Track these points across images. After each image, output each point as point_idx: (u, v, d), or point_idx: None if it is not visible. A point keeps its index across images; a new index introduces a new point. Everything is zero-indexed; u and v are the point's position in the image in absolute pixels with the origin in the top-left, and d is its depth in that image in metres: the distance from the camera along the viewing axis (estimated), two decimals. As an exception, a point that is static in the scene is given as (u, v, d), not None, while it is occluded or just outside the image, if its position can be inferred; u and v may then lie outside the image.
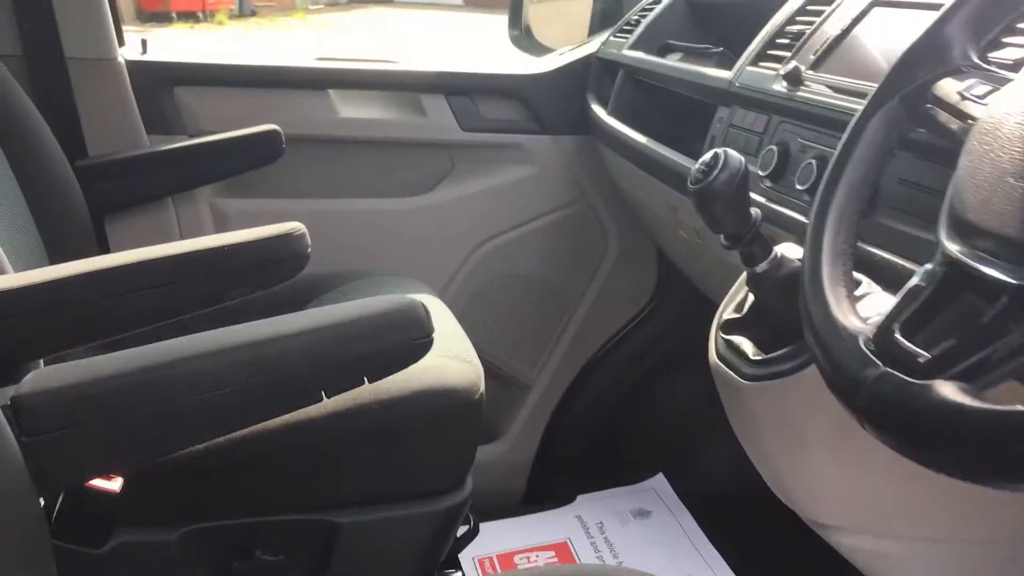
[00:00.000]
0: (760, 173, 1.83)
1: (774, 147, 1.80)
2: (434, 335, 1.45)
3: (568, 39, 3.23)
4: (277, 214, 2.62)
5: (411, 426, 1.76)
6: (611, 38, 2.85)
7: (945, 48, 1.14)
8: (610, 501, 2.92)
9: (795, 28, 1.94)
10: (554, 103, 2.89)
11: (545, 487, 3.07)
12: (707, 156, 1.46)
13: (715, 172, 1.42)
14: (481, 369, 2.02)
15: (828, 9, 1.88)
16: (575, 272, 3.00)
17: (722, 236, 1.49)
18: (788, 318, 1.52)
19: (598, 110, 2.76)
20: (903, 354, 0.88)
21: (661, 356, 3.11)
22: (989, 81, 1.08)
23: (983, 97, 1.05)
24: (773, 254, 1.49)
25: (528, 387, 3.06)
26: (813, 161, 1.68)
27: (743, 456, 1.72)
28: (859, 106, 1.65)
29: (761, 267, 1.48)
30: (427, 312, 1.44)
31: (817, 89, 1.75)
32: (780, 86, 1.85)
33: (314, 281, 2.36)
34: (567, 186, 2.93)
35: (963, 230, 0.90)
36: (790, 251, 1.65)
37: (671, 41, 2.56)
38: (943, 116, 1.09)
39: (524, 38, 3.42)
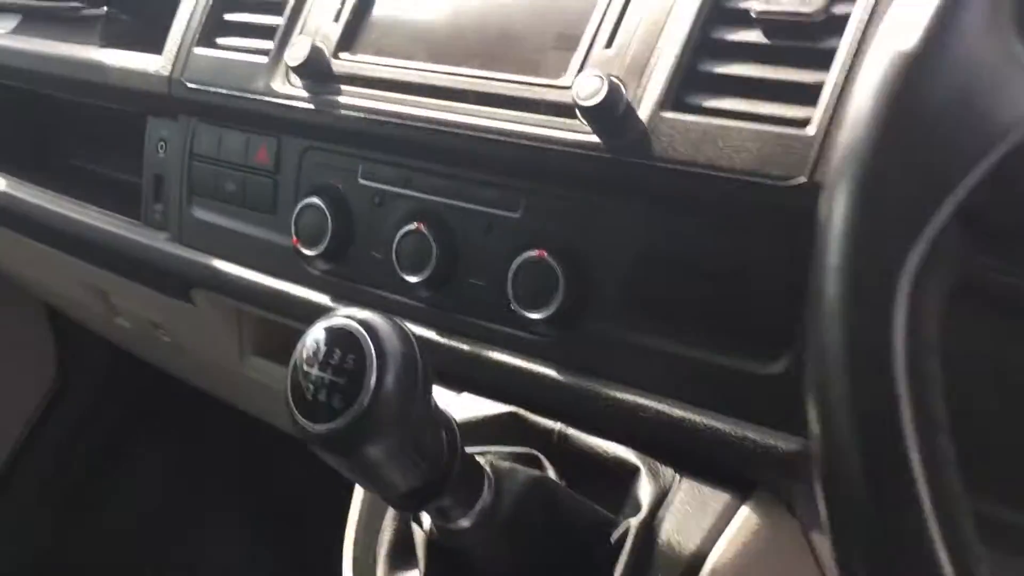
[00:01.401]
0: (305, 251, 1.00)
1: (317, 201, 0.99)
2: None
3: None
4: None
5: None
6: None
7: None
8: None
9: (265, -29, 1.09)
10: None
11: None
12: (316, 338, 0.62)
13: (366, 386, 0.60)
14: None
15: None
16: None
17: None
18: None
19: None
20: None
21: (90, 456, 2.14)
22: None
23: None
24: (487, 480, 0.72)
25: None
26: (421, 227, 0.91)
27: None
28: (462, 117, 0.92)
29: (472, 517, 0.71)
30: None
31: (367, 88, 0.96)
32: (288, 85, 1.02)
33: None
34: None
35: None
36: (475, 408, 0.90)
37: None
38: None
39: None
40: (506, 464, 0.77)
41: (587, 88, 0.79)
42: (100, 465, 2.18)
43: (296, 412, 0.63)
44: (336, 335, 0.62)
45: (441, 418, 0.67)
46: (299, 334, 1.13)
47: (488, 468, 0.73)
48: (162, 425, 2.22)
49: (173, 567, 2.18)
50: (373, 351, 0.61)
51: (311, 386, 0.62)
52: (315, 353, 0.62)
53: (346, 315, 0.63)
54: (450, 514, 0.71)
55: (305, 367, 0.62)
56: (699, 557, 0.74)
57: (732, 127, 0.74)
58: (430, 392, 0.64)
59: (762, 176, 0.72)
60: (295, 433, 0.64)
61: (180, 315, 1.24)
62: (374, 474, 0.65)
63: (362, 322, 0.62)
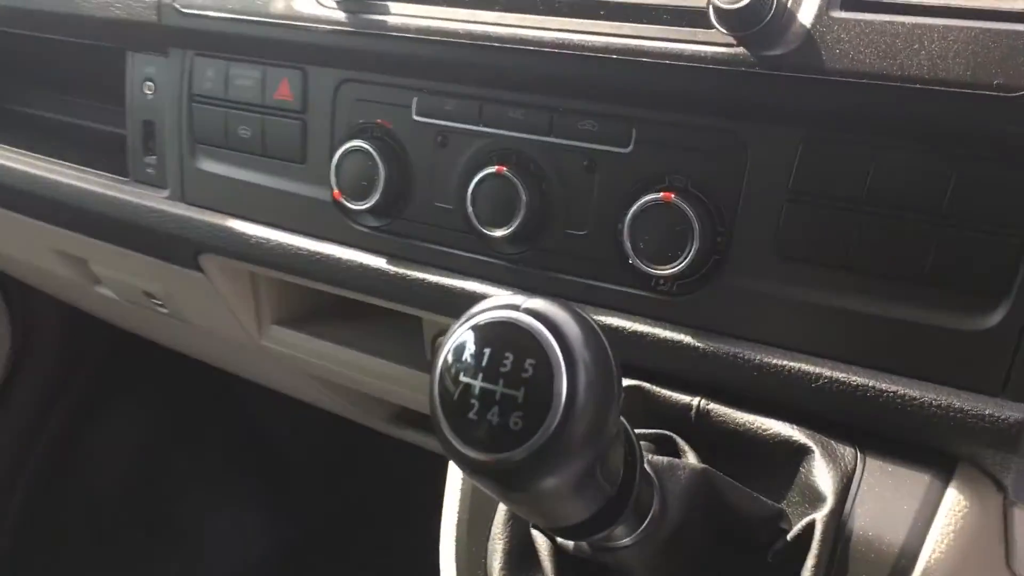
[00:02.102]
0: (350, 205, 0.84)
1: (362, 145, 0.82)
2: None
3: None
4: None
5: None
6: None
7: None
8: None
9: None
10: None
11: None
12: (474, 337, 0.47)
13: (555, 403, 0.45)
14: None
15: None
16: None
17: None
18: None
19: None
20: None
21: (59, 427, 1.96)
22: None
23: None
24: (655, 488, 0.58)
25: None
26: (504, 170, 0.75)
27: None
28: (554, 33, 0.74)
29: (637, 535, 0.57)
30: None
31: (419, 4, 0.79)
32: (315, 3, 0.84)
33: None
34: None
35: None
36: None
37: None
38: None
39: None
40: (663, 460, 0.63)
41: (730, -13, 0.64)
42: (70, 436, 2.01)
43: (450, 434, 0.47)
44: (503, 333, 0.47)
45: (622, 428, 0.53)
46: (327, 298, 0.99)
47: (651, 471, 0.60)
48: (135, 389, 2.04)
49: (157, 530, 2.03)
50: (560, 354, 0.46)
51: (475, 402, 0.46)
52: (475, 357, 0.47)
53: (508, 304, 0.48)
54: (614, 533, 0.58)
55: (463, 376, 0.47)
56: (908, 554, 0.62)
57: (931, 26, 0.60)
58: (622, 400, 0.50)
59: (978, 87, 0.58)
60: (446, 454, 0.49)
61: (182, 284, 1.07)
62: (549, 506, 0.51)
63: (537, 314, 0.47)
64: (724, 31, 0.65)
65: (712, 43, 0.66)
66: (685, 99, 0.69)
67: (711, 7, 0.65)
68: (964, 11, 0.59)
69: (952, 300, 0.62)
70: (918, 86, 0.60)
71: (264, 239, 0.92)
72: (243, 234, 0.93)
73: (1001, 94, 0.57)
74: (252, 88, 0.90)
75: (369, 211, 0.83)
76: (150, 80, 0.99)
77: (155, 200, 0.99)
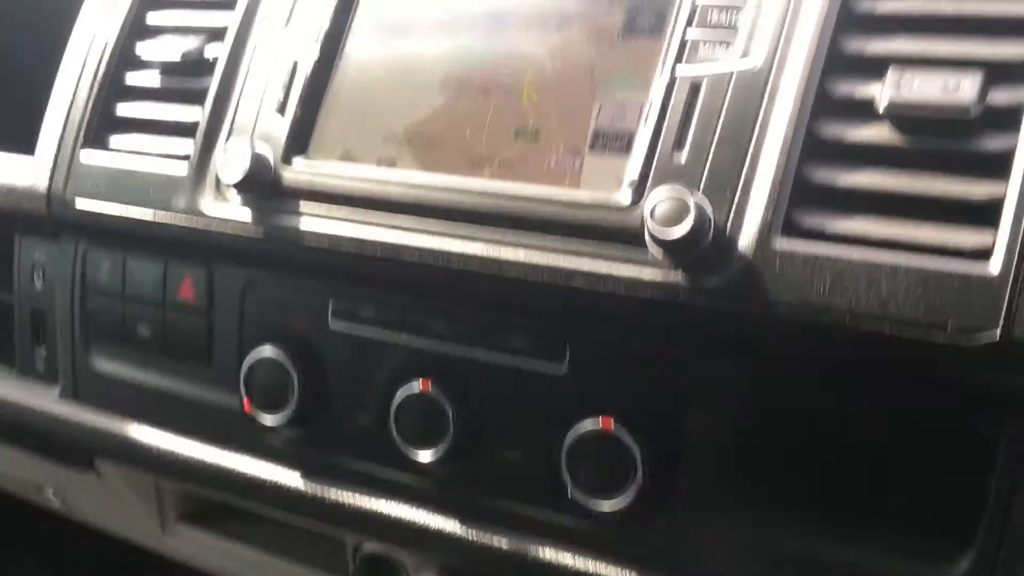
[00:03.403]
0: (263, 419, 0.77)
1: (273, 353, 0.75)
2: None
3: None
4: None
5: None
6: None
7: None
8: None
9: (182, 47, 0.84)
10: None
11: None
12: None
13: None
14: None
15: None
16: None
17: None
18: None
19: None
20: None
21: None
22: None
23: None
24: None
25: None
26: (429, 387, 0.69)
27: None
28: (474, 246, 0.67)
29: None
30: None
31: (332, 205, 0.74)
32: (222, 202, 0.77)
33: None
34: None
35: None
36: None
37: None
38: None
39: None
40: None
41: (666, 211, 0.60)
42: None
43: None
44: None
45: None
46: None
47: None
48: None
49: None
50: None
51: None
52: None
53: None
54: None
55: None
56: None
57: (877, 262, 0.56)
58: None
59: (930, 329, 0.55)
60: None
61: (76, 483, 0.97)
62: None
63: None
64: (656, 255, 0.62)
65: (642, 264, 0.62)
66: (621, 323, 0.65)
67: (646, 232, 0.61)
68: (912, 246, 0.56)
69: (916, 547, 0.58)
70: (862, 326, 0.56)
71: (168, 450, 0.84)
72: (143, 443, 0.85)
73: (957, 341, 0.54)
74: (151, 283, 0.83)
75: (283, 425, 0.76)
76: (39, 266, 0.91)
77: (44, 398, 0.90)
